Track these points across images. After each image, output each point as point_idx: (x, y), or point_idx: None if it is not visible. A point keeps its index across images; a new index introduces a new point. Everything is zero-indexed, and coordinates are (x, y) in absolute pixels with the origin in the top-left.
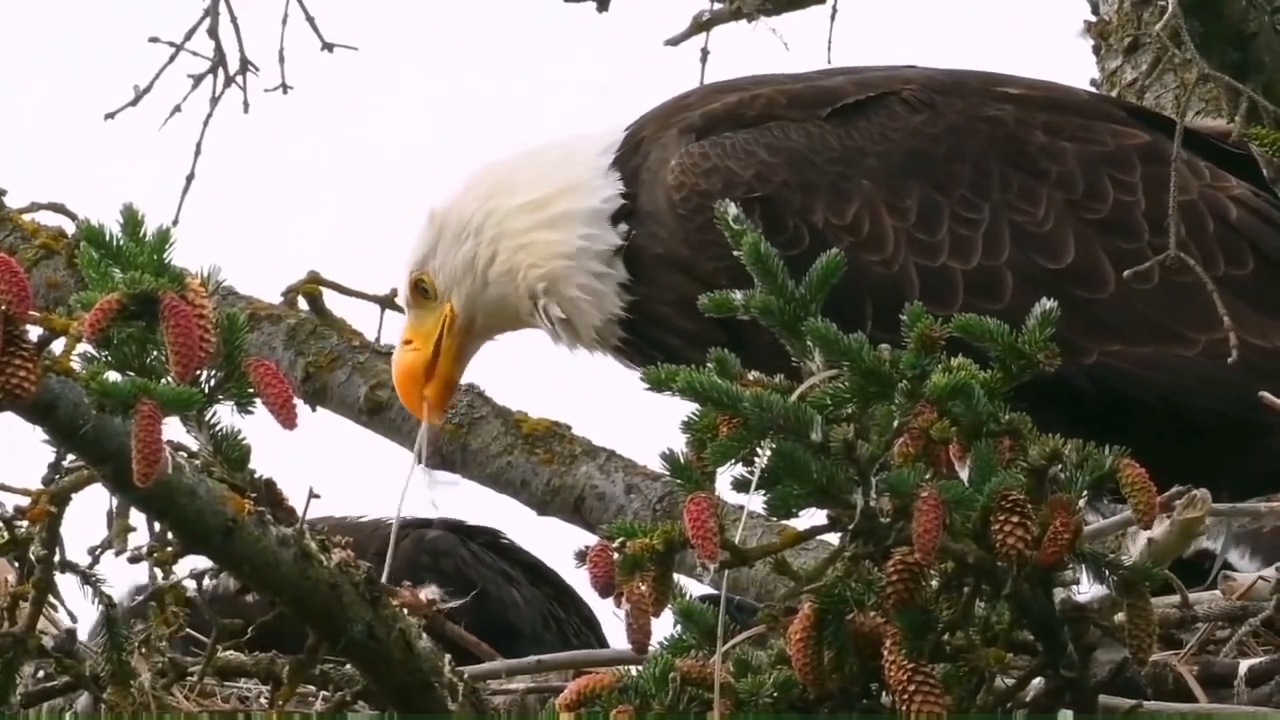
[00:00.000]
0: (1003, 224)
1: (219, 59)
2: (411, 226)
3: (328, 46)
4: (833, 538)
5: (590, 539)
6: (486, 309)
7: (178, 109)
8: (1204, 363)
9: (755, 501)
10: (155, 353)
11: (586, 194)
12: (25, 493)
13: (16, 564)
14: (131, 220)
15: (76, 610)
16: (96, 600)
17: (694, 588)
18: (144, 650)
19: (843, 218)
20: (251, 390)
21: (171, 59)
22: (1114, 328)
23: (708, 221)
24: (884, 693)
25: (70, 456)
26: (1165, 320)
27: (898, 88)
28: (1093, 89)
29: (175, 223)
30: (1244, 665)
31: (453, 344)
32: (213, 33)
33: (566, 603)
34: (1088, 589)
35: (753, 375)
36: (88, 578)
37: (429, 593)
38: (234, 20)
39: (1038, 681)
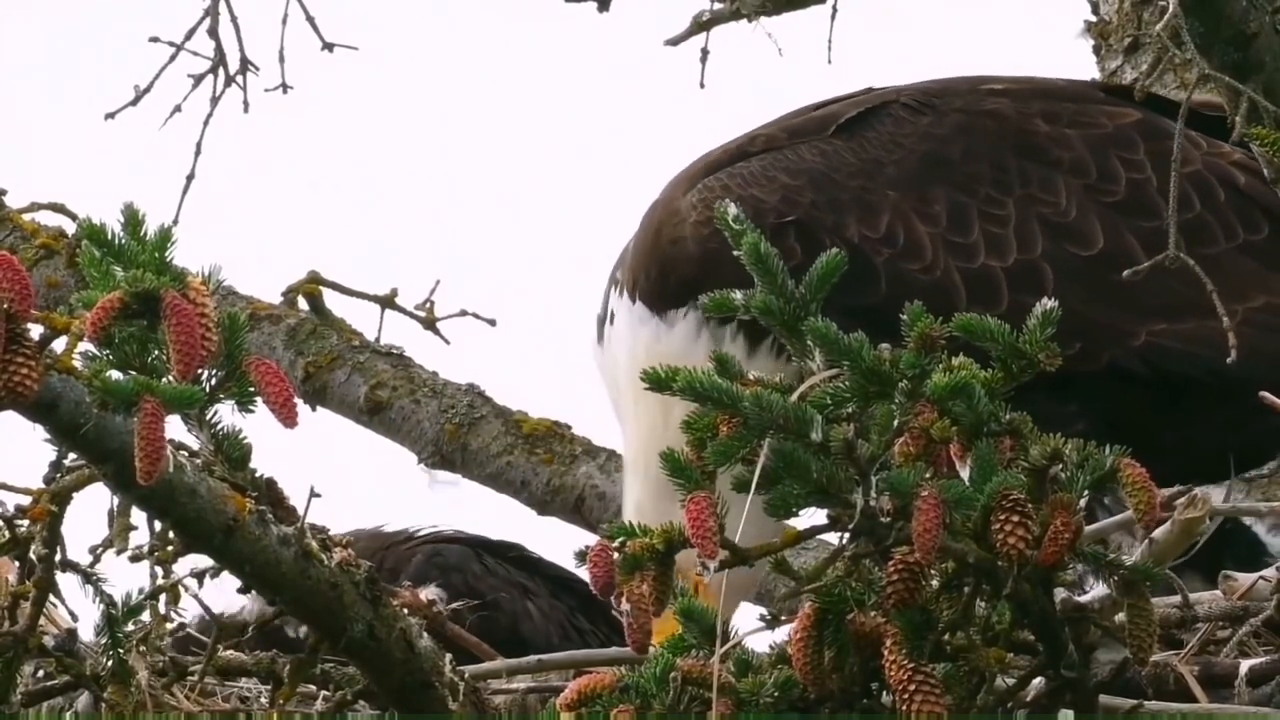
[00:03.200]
0: (1030, 217)
1: (219, 59)
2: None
3: (328, 46)
4: (833, 537)
5: (590, 539)
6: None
7: (178, 109)
8: (1245, 332)
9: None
10: (156, 351)
11: (693, 341)
12: (26, 492)
13: (17, 563)
14: (132, 219)
15: (77, 609)
16: (97, 599)
17: None
18: (144, 649)
19: (876, 230)
20: (252, 389)
21: (171, 59)
22: (1155, 307)
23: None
24: (884, 692)
25: (71, 455)
26: (1200, 295)
27: (893, 97)
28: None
29: (175, 223)
30: (1244, 665)
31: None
32: (213, 33)
33: (594, 613)
34: (1089, 589)
35: (753, 375)
36: (89, 577)
37: (429, 593)
38: (234, 20)
39: (1038, 681)
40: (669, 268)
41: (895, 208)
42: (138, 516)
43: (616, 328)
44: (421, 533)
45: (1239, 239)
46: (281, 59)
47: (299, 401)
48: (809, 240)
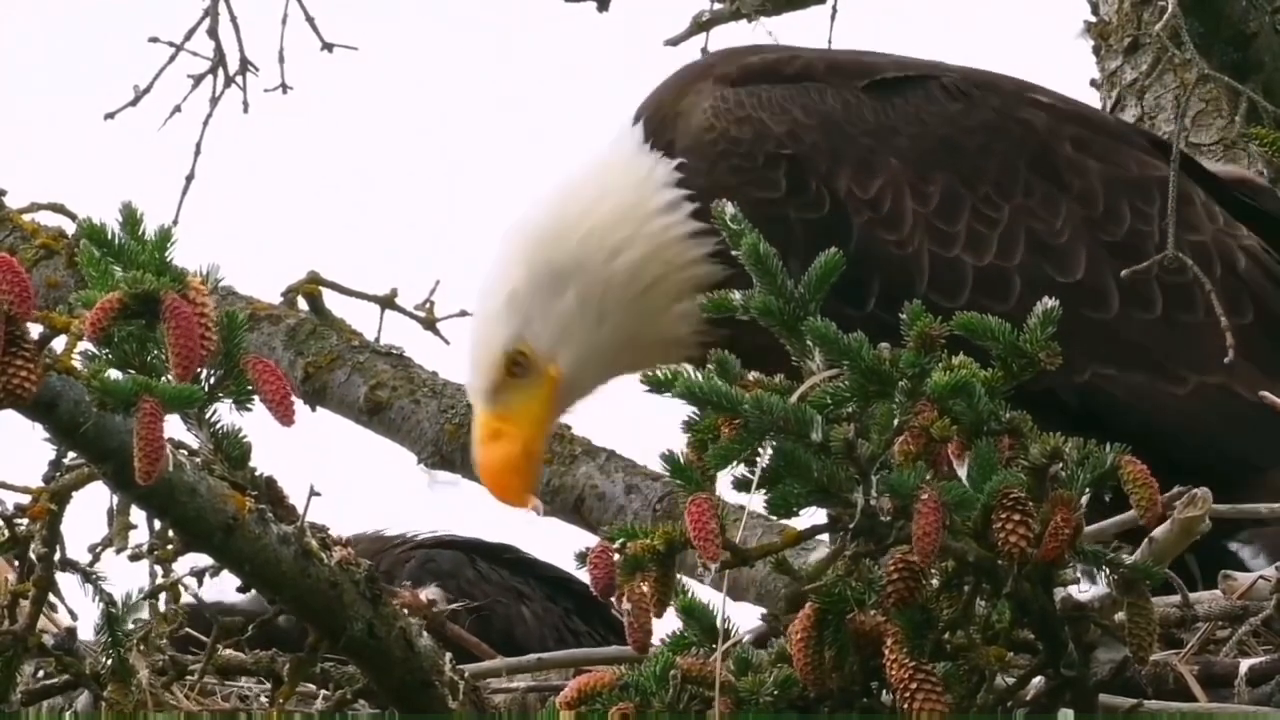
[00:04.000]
0: (1019, 228)
1: (219, 59)
2: (484, 315)
3: (328, 46)
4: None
5: (590, 539)
6: (602, 350)
7: (178, 109)
8: (1191, 404)
9: (756, 501)
10: (156, 351)
11: (655, 186)
12: (26, 490)
13: (17, 562)
14: (131, 219)
15: (77, 608)
16: (96, 598)
17: None
18: (144, 648)
19: (866, 191)
20: (249, 387)
21: (171, 59)
22: (1110, 351)
23: (732, 167)
24: (884, 691)
25: (71, 454)
26: (1161, 355)
27: (937, 74)
28: (1108, 110)
29: (175, 223)
30: (1244, 665)
31: (551, 413)
32: (213, 33)
33: (590, 614)
34: (1088, 588)
35: (753, 376)
36: (88, 576)
37: (429, 593)
38: (234, 20)
39: (1038, 680)
40: (669, 125)
41: (892, 175)
42: (137, 515)
43: (617, 139)
44: (416, 537)
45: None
46: (281, 59)
47: (297, 400)
48: (797, 178)
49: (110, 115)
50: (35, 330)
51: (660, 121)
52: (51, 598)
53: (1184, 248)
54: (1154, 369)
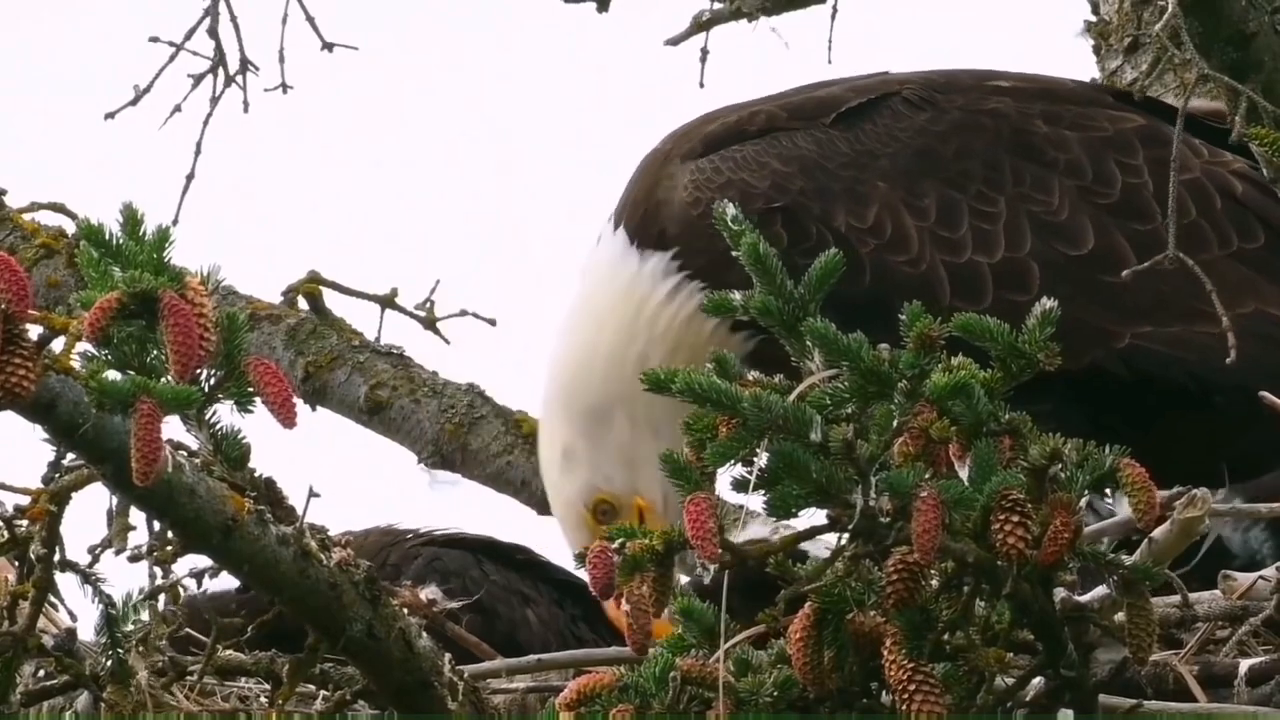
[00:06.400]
0: (1021, 215)
1: (219, 59)
2: (550, 480)
3: (328, 46)
4: (832, 537)
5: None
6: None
7: (178, 109)
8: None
9: (755, 501)
10: (155, 351)
11: (649, 284)
12: (25, 491)
13: (16, 563)
14: (131, 219)
15: (77, 609)
16: (96, 599)
17: None
18: (143, 649)
19: (864, 221)
20: (251, 389)
21: (171, 59)
22: (1141, 310)
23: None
24: (884, 692)
25: (70, 455)
26: (1189, 299)
27: (895, 89)
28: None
29: (175, 222)
30: (1244, 665)
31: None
32: (213, 32)
33: (596, 620)
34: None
35: (752, 375)
36: (88, 577)
37: (429, 592)
38: (234, 20)
39: (1038, 681)
40: (652, 219)
41: (884, 200)
42: (137, 516)
43: (599, 248)
44: (431, 532)
45: (1233, 246)
46: (281, 59)
47: (298, 401)
48: (795, 227)
49: (110, 115)
50: (34, 331)
51: (642, 218)
52: (51, 598)
53: (1180, 188)
54: (1186, 315)
